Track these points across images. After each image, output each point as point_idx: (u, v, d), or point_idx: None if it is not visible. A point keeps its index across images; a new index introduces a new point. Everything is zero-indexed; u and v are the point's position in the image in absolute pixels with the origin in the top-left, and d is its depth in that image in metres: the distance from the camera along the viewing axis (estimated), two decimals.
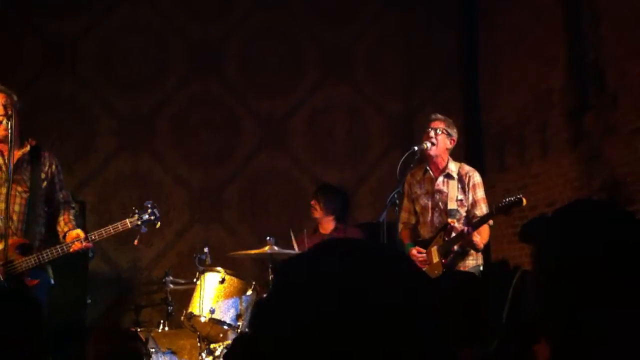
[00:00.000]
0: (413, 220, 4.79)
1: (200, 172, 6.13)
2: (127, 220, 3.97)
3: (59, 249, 3.92)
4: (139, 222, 3.97)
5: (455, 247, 4.54)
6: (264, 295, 1.13)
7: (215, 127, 6.19)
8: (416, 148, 4.53)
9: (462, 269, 4.55)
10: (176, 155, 6.10)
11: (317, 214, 5.51)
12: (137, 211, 4.00)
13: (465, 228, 4.39)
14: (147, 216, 3.99)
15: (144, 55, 6.08)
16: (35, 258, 3.89)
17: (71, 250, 3.92)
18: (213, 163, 6.15)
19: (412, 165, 4.61)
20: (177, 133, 6.12)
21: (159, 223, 4.07)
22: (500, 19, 6.29)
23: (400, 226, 4.78)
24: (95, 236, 3.95)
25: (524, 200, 4.23)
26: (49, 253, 3.90)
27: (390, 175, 4.86)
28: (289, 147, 6.32)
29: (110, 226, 3.95)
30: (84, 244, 3.94)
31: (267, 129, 6.29)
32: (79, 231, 4.02)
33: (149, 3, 6.15)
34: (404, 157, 4.49)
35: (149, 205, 4.02)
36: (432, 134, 4.58)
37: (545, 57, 5.65)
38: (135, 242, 4.10)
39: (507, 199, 4.29)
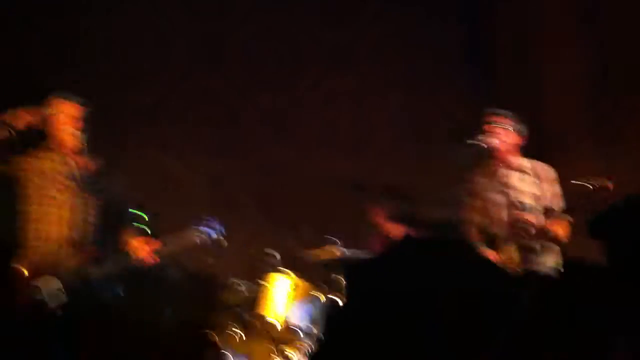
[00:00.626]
0: (481, 220, 4.70)
1: (262, 180, 6.19)
2: (193, 234, 4.09)
3: (127, 261, 4.04)
4: (204, 237, 4.11)
5: (532, 244, 4.41)
6: (341, 298, 1.11)
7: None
8: (472, 142, 4.39)
9: (539, 267, 4.44)
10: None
11: (379, 219, 5.45)
12: (202, 227, 4.13)
13: (544, 220, 4.27)
14: (211, 231, 4.13)
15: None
16: (108, 268, 3.99)
17: (140, 262, 4.04)
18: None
19: (474, 163, 4.50)
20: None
21: (223, 239, 4.18)
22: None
23: (468, 226, 4.68)
24: (163, 249, 4.07)
25: (610, 185, 4.05)
26: (120, 264, 4.01)
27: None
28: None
29: (178, 240, 4.08)
30: (152, 258, 4.06)
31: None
32: (147, 241, 4.12)
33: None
34: (460, 152, 4.35)
35: (212, 221, 4.15)
36: (498, 129, 4.47)
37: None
38: (209, 260, 4.24)
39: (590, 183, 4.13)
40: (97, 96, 5.80)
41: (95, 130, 5.75)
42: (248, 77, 6.33)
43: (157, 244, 4.10)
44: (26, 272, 3.98)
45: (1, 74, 5.58)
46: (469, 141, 4.35)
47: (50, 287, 3.91)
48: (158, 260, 4.12)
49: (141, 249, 4.06)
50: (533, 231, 4.33)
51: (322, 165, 6.16)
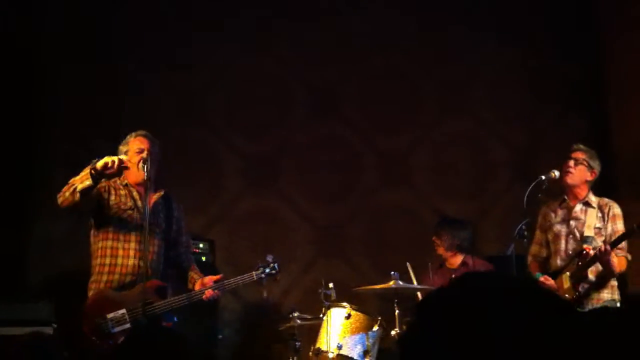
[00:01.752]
0: (544, 253, 4.67)
1: (323, 209, 6.25)
2: (253, 273, 4.23)
3: (194, 296, 4.15)
4: (262, 276, 4.24)
5: (590, 276, 4.38)
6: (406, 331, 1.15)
7: (337, 165, 6.30)
8: (543, 177, 4.47)
9: (595, 301, 4.39)
10: (300, 193, 6.25)
11: (440, 250, 5.46)
12: (260, 265, 4.27)
13: (602, 246, 4.26)
14: (269, 270, 4.26)
15: (266, 101, 6.30)
16: (173, 302, 4.10)
17: (203, 297, 4.15)
18: (336, 200, 6.25)
19: (539, 195, 4.53)
20: (301, 172, 6.28)
21: (279, 277, 4.35)
22: (627, 43, 6.06)
23: (530, 258, 4.69)
24: (224, 285, 4.20)
25: None
26: (184, 299, 4.12)
27: (516, 207, 4.77)
28: (411, 181, 6.33)
29: (239, 277, 4.24)
30: (215, 292, 4.16)
31: (388, 164, 6.34)
32: (210, 278, 4.23)
33: (269, 54, 6.37)
34: (530, 187, 4.43)
35: (270, 260, 4.29)
36: (570, 163, 4.53)
37: None
38: (265, 294, 4.45)
39: None
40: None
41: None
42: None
43: (218, 278, 4.20)
44: (93, 302, 4.13)
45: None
46: (542, 176, 4.43)
47: (115, 315, 4.05)
48: (219, 294, 4.24)
49: (206, 286, 4.16)
50: (590, 263, 4.32)
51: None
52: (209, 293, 4.14)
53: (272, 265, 4.26)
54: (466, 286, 1.12)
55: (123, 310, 4.03)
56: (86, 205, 4.09)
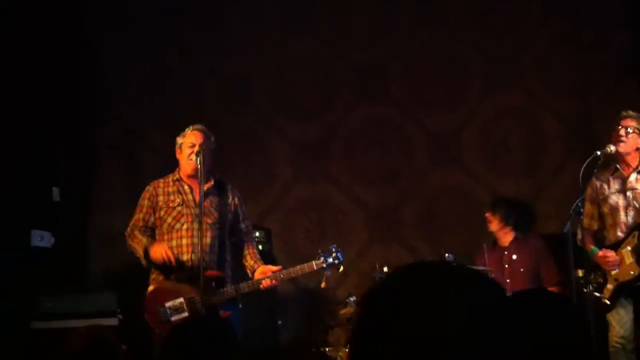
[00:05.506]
0: (595, 226, 4.60)
1: (375, 191, 6.23)
2: (313, 262, 4.12)
3: (251, 285, 4.17)
4: (324, 265, 4.12)
5: None
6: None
7: (386, 146, 6.27)
8: (599, 153, 4.38)
9: None
10: (350, 177, 6.25)
11: (493, 226, 5.42)
12: (322, 254, 4.15)
13: None
14: (331, 259, 4.12)
15: (312, 84, 6.30)
16: (230, 292, 4.13)
17: (261, 287, 4.16)
18: (387, 182, 6.23)
19: (595, 170, 4.45)
20: (350, 155, 6.28)
21: (342, 267, 4.19)
22: None
23: (581, 233, 4.59)
24: (283, 275, 4.17)
25: None
26: (241, 288, 4.15)
27: (573, 183, 4.68)
28: (462, 160, 6.26)
29: (298, 266, 4.15)
30: (273, 282, 4.17)
31: (438, 143, 6.28)
32: (269, 267, 4.24)
33: (314, 34, 6.36)
34: (586, 163, 4.35)
35: (333, 249, 4.15)
36: (622, 132, 4.43)
37: None
38: (323, 284, 4.29)
39: None
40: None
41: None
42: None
43: (278, 269, 4.20)
44: (153, 292, 4.24)
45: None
46: (598, 152, 4.35)
47: (173, 303, 4.14)
48: (277, 284, 4.25)
49: (265, 275, 4.17)
50: None
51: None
52: (266, 283, 4.16)
53: (335, 254, 4.14)
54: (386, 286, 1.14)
55: (181, 299, 4.12)
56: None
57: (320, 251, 4.19)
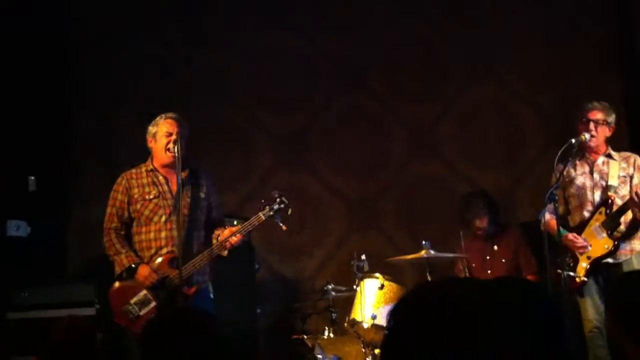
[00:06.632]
0: (561, 210, 4.68)
1: (354, 182, 6.25)
2: (260, 213, 4.11)
3: (211, 251, 4.13)
4: (271, 214, 4.11)
5: (622, 223, 4.42)
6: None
7: (365, 137, 6.29)
8: (573, 141, 4.48)
9: (628, 252, 4.43)
10: (329, 167, 6.26)
11: (483, 224, 5.40)
12: (266, 203, 4.13)
13: (634, 194, 4.28)
14: (277, 206, 4.11)
15: (291, 75, 6.30)
16: (192, 264, 4.08)
17: (227, 246, 4.10)
18: (366, 172, 6.25)
19: (570, 158, 4.54)
20: (329, 146, 6.29)
21: (290, 209, 4.16)
22: None
23: (547, 216, 4.61)
24: (241, 231, 4.12)
25: None
26: (202, 257, 4.11)
27: (549, 173, 4.73)
28: (440, 151, 6.29)
29: (247, 222, 4.14)
30: (234, 239, 4.09)
31: (416, 135, 6.31)
32: (227, 229, 4.20)
33: (293, 25, 6.36)
34: (560, 151, 4.43)
35: (276, 195, 4.14)
36: (591, 126, 4.54)
37: None
38: (284, 227, 4.20)
39: None
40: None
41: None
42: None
43: (234, 228, 4.16)
44: (114, 294, 4.19)
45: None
46: (572, 140, 4.45)
47: (138, 298, 4.10)
48: (238, 240, 4.14)
49: (224, 236, 4.13)
50: (622, 210, 4.34)
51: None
52: (222, 238, 4.12)
53: (278, 199, 4.12)
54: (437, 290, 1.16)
55: (144, 291, 4.10)
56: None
57: (263, 201, 4.15)
